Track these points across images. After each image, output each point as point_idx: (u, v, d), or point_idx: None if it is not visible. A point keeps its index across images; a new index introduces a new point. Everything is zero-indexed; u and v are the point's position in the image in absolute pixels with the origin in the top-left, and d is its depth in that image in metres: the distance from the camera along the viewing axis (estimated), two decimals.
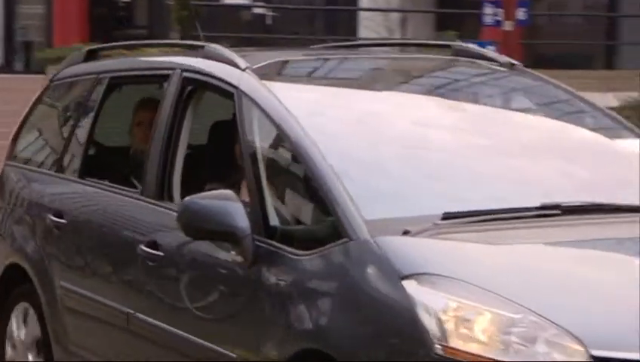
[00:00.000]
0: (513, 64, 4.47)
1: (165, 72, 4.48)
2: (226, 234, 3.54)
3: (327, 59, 4.55)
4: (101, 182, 4.80)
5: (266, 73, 4.02)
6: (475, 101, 4.28)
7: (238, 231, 3.48)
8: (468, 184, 3.58)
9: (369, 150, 3.72)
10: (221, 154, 4.54)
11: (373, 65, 4.63)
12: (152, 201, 4.21)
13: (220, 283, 3.78)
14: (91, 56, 5.34)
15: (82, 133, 5.06)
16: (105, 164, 5.09)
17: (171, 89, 4.31)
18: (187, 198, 3.64)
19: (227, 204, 3.53)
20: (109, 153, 5.23)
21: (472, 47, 4.87)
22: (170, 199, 4.20)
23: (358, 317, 3.18)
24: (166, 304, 4.06)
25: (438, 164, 3.69)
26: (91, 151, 5.02)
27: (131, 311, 4.19)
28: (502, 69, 4.45)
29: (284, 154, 3.74)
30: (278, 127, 3.69)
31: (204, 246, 3.79)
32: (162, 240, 4.05)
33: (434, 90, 4.35)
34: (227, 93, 4.04)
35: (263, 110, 3.76)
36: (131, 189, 4.48)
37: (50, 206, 4.97)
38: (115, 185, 4.70)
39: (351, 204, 3.30)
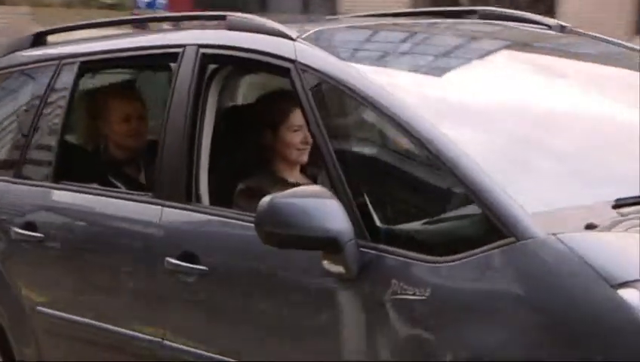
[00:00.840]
0: (564, 26, 3.95)
1: (171, 50, 3.71)
2: (324, 241, 2.76)
3: (381, 29, 3.83)
4: (86, 186, 3.99)
5: (326, 44, 3.31)
6: (590, 74, 3.63)
7: (340, 236, 2.73)
8: (629, 164, 2.87)
9: (501, 130, 3.03)
10: (243, 143, 3.82)
11: (442, 33, 3.93)
12: (176, 205, 3.44)
13: (304, 302, 3.01)
14: (40, 40, 4.51)
15: (49, 130, 4.23)
16: (85, 164, 4.26)
17: (185, 70, 3.54)
18: (269, 198, 2.83)
19: (323, 202, 2.77)
20: (87, 152, 4.39)
21: (509, 11, 4.28)
22: (198, 201, 3.45)
23: (549, 338, 2.44)
24: (211, 328, 3.31)
25: (590, 145, 3.03)
26: (66, 151, 4.18)
27: (158, 339, 3.42)
28: (552, 32, 3.91)
29: (384, 139, 3.04)
30: (377, 108, 2.94)
31: (273, 257, 3.02)
32: (202, 251, 3.28)
33: (538, 63, 3.64)
34: (277, 68, 3.30)
35: (345, 87, 3.03)
36: (139, 193, 3.68)
37: (15, 217, 4.12)
38: (109, 189, 3.91)
39: (506, 195, 2.58)
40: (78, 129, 4.37)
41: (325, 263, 2.82)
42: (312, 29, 3.42)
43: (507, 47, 3.82)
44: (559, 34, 3.90)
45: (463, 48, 3.70)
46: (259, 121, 3.80)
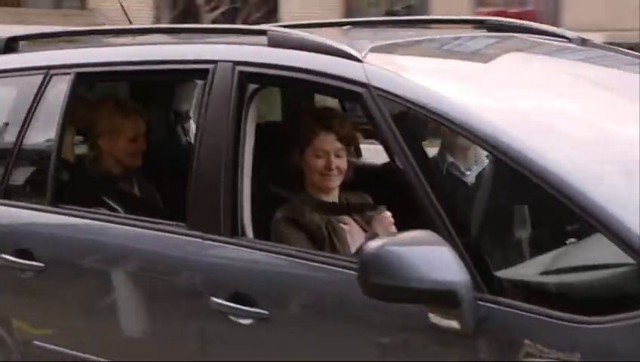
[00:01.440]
0: (585, 40, 3.82)
1: (196, 65, 3.38)
2: (439, 294, 2.45)
3: (438, 43, 3.56)
4: (95, 211, 3.64)
5: (393, 64, 3.04)
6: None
7: (458, 288, 2.43)
8: None
9: (611, 157, 2.73)
10: (274, 166, 3.55)
11: (495, 48, 3.68)
12: (220, 239, 3.14)
13: (400, 356, 2.71)
14: (11, 45, 4.11)
15: (40, 146, 3.86)
16: (79, 182, 3.90)
17: (219, 89, 3.22)
18: (374, 246, 2.50)
19: (436, 250, 2.46)
20: (79, 169, 4.02)
21: (522, 22, 4.14)
22: (243, 234, 3.16)
23: None
24: None
25: None
26: (61, 170, 3.81)
27: None
28: (573, 45, 3.76)
29: (487, 171, 2.79)
30: (476, 136, 2.68)
31: (358, 304, 2.72)
32: (259, 293, 2.99)
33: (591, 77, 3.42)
34: (343, 92, 3.03)
35: (433, 113, 2.76)
36: (169, 222, 3.33)
37: (7, 243, 3.73)
38: (126, 216, 3.57)
39: None
40: (68, 144, 3.99)
41: (432, 317, 2.55)
42: (368, 46, 3.15)
43: (571, 65, 3.63)
44: (586, 47, 3.78)
45: (531, 65, 3.52)
46: (287, 141, 3.56)
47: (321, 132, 3.47)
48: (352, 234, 3.48)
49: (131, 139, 3.94)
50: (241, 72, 3.20)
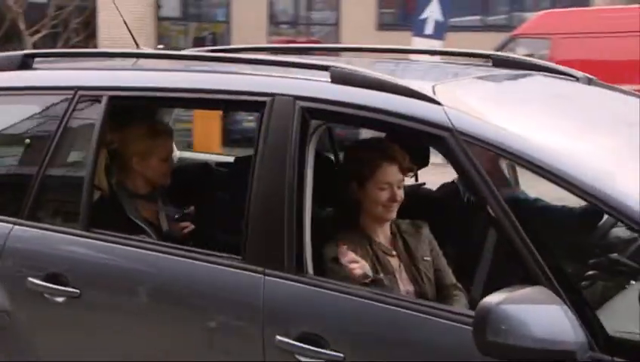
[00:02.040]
0: (591, 78, 3.94)
1: (253, 98, 3.34)
2: (557, 355, 2.45)
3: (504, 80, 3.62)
4: (135, 239, 3.57)
5: (470, 106, 3.04)
6: None
7: (576, 348, 2.43)
8: None
9: None
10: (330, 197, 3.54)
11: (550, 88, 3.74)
12: (284, 276, 3.10)
13: None
14: (27, 62, 4.01)
15: (70, 169, 3.81)
16: (109, 205, 3.83)
17: (279, 123, 3.20)
18: (492, 303, 2.49)
19: (552, 309, 2.46)
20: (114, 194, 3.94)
21: (529, 59, 4.25)
22: (306, 271, 3.15)
23: None
24: None
25: None
26: (93, 194, 3.72)
27: None
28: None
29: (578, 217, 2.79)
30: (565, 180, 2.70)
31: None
32: (331, 334, 2.96)
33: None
34: (423, 135, 3.01)
35: (520, 158, 2.78)
36: (222, 254, 3.28)
37: (29, 265, 3.64)
38: (170, 245, 3.51)
39: None
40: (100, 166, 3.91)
41: None
42: (439, 85, 3.18)
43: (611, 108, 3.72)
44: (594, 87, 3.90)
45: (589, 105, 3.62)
46: (345, 174, 3.56)
47: (385, 163, 3.45)
48: (400, 266, 3.50)
49: (164, 158, 3.97)
50: (303, 108, 3.18)
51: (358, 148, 3.64)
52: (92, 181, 3.64)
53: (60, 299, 3.53)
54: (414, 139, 3.21)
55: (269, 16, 25.27)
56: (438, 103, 2.98)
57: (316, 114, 3.20)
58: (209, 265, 3.28)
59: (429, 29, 13.08)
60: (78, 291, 3.50)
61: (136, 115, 4.09)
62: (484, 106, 3.12)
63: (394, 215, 3.51)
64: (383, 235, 3.53)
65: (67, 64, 4.27)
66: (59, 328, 3.60)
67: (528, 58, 4.34)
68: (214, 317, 3.24)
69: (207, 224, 4.00)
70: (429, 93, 3.03)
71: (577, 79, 3.95)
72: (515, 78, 3.92)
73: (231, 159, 4.86)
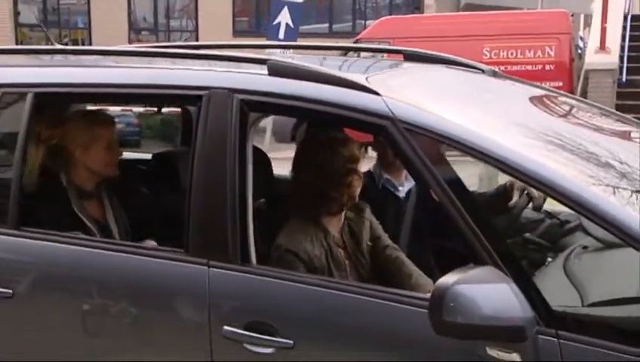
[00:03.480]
0: (495, 71, 4.23)
1: (189, 92, 3.34)
2: (507, 331, 2.55)
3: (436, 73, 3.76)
4: (70, 235, 3.54)
5: (408, 96, 3.11)
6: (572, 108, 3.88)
7: (525, 324, 2.53)
8: None
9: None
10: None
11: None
12: (229, 267, 3.12)
13: None
14: None
15: None
16: (49, 201, 3.77)
17: (217, 116, 3.20)
18: (445, 285, 2.57)
19: (501, 288, 2.56)
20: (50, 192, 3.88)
21: (437, 53, 4.46)
22: (249, 261, 3.18)
23: None
24: None
25: None
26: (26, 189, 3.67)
27: None
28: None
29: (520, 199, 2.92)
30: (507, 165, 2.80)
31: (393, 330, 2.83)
32: (280, 321, 3.02)
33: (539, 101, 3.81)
34: (364, 124, 3.07)
35: (463, 145, 2.85)
36: (174, 249, 3.26)
37: None
38: (108, 241, 3.49)
39: None
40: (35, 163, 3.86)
41: (492, 351, 2.62)
42: (370, 76, 3.26)
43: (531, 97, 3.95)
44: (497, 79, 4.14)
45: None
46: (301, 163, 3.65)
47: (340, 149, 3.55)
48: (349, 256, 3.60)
49: (106, 147, 3.91)
50: (242, 100, 3.20)
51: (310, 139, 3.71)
52: (21, 179, 3.58)
53: None
54: (354, 129, 3.25)
55: (130, 23, 26.40)
56: (377, 93, 3.05)
57: (254, 106, 3.23)
58: (152, 259, 3.27)
59: (281, 33, 14.64)
60: (10, 291, 3.44)
61: (72, 108, 4.04)
62: (416, 96, 3.21)
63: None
64: (336, 229, 3.61)
65: None
66: None
67: (437, 53, 4.49)
68: (159, 312, 3.24)
69: (140, 220, 4.00)
70: (366, 84, 3.10)
71: (483, 72, 4.14)
72: (432, 70, 4.06)
73: (149, 156, 4.85)
